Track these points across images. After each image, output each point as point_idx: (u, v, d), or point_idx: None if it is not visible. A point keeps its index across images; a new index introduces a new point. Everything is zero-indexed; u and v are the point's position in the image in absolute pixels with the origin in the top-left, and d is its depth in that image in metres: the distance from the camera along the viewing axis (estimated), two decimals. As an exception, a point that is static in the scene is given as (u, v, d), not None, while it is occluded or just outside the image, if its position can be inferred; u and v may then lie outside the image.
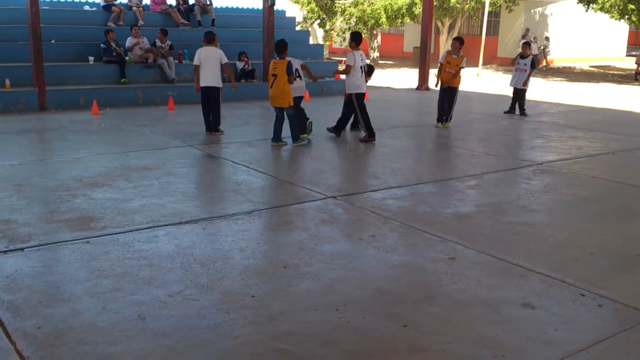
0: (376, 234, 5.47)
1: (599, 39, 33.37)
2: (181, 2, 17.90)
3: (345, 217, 6.02)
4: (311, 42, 24.40)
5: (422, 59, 18.52)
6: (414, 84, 18.95)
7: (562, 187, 7.39)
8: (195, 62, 10.07)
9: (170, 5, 17.62)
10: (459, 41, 11.49)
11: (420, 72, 18.61)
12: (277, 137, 9.43)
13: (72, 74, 13.90)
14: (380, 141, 10.00)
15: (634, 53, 27.09)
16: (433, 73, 17.71)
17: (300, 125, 9.60)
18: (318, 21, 30.74)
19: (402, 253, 5.06)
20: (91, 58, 14.37)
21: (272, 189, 7.12)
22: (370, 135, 9.82)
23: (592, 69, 30.58)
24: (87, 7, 17.58)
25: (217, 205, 6.42)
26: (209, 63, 10.04)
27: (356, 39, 9.96)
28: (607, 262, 4.94)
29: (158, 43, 14.87)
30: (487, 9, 25.93)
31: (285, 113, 9.44)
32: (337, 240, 5.33)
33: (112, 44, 14.29)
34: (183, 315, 3.94)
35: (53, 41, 14.56)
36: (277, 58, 9.31)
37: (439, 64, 11.65)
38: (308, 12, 30.31)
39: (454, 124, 11.77)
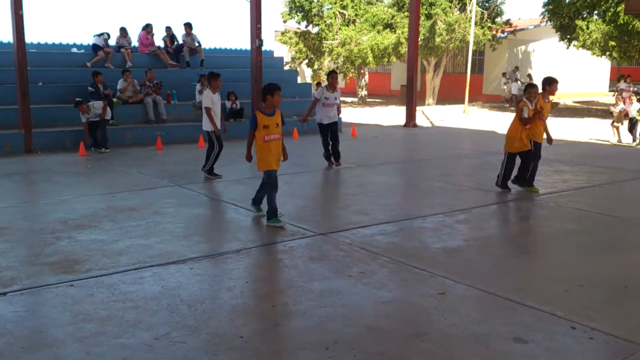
0: (365, 271, 5.41)
1: (582, 75, 33.94)
2: (169, 44, 18.05)
3: (334, 254, 5.96)
4: (299, 81, 24.66)
5: (408, 97, 18.71)
6: (402, 121, 19.09)
7: (549, 220, 7.38)
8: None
9: (159, 47, 17.77)
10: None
11: (407, 110, 18.77)
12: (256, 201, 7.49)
13: (59, 116, 13.89)
14: (369, 177, 10.01)
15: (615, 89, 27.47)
16: (421, 111, 17.74)
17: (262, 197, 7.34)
18: (306, 61, 31.12)
19: (392, 289, 5.00)
20: (78, 100, 14.36)
21: (261, 227, 7.06)
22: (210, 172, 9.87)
23: (576, 104, 30.99)
24: (74, 50, 17.69)
25: (204, 244, 6.34)
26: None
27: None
28: (596, 294, 4.90)
29: (147, 82, 14.98)
30: (471, 48, 26.37)
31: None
32: (326, 277, 5.27)
33: (100, 86, 14.33)
34: (169, 358, 3.84)
35: (40, 83, 14.59)
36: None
37: (528, 112, 8.55)
38: (296, 52, 30.70)
39: (442, 161, 11.82)
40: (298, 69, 30.79)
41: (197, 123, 15.21)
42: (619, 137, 16.34)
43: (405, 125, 18.60)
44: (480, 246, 6.16)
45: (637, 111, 15.50)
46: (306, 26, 30.80)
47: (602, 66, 35.11)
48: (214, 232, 6.79)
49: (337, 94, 11.07)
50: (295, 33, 31.22)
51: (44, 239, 6.43)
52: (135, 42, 17.91)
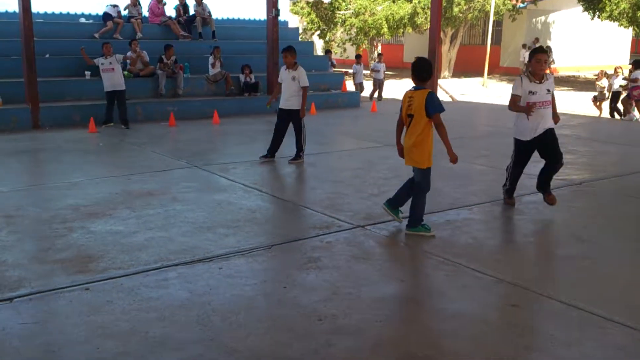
0: (418, 274, 4.78)
1: (602, 47, 32.89)
2: (181, 14, 17.24)
3: (378, 251, 5.32)
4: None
5: (430, 70, 17.88)
6: (422, 95, 18.28)
7: (610, 210, 6.68)
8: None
9: (170, 17, 16.96)
10: None
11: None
12: (393, 203, 6.07)
13: (67, 90, 13.22)
14: (398, 158, 9.28)
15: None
16: (439, 84, 16.86)
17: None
18: (318, 32, 30.22)
19: (454, 299, 4.35)
20: (87, 73, 13.67)
21: (291, 217, 6.41)
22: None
23: (596, 77, 30.04)
24: (83, 20, 16.90)
25: (231, 237, 5.69)
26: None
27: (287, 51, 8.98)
28: (693, 307, 4.23)
29: (164, 59, 14.19)
30: (491, 17, 25.42)
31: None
32: (375, 282, 4.63)
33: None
34: (206, 388, 3.24)
35: (47, 55, 13.87)
36: (413, 89, 5.71)
37: None
38: (308, 23, 29.79)
39: (475, 138, 11.12)
40: (310, 40, 29.91)
41: (211, 98, 14.61)
42: (601, 112, 16.14)
43: (426, 100, 17.80)
44: (543, 243, 5.49)
45: (620, 85, 15.36)
46: (319, -5, 29.83)
47: (623, 37, 34.03)
48: (240, 223, 6.13)
49: (549, 85, 6.32)
50: (307, 3, 30.26)
51: (54, 230, 5.81)
52: (145, 12, 17.09)
